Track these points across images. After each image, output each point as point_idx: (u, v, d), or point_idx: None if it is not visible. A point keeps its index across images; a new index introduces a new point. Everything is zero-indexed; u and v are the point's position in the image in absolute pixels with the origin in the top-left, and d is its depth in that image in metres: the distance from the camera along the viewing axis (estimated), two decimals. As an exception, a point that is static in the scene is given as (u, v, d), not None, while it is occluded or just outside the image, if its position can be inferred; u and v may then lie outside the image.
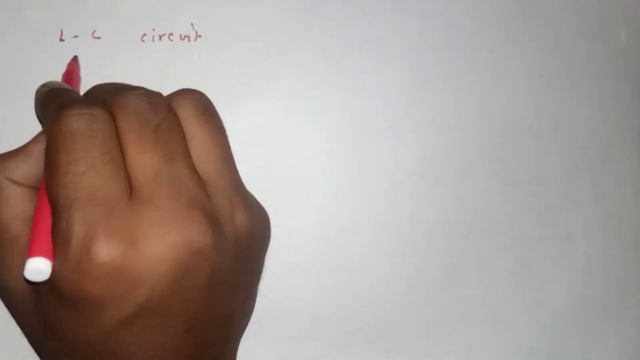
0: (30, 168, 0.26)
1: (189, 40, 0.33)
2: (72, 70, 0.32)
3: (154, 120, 0.25)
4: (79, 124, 0.24)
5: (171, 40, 0.33)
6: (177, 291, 0.23)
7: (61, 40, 0.33)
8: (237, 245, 0.25)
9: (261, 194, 0.33)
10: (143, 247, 0.22)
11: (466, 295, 0.34)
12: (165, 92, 0.33)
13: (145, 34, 0.33)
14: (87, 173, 0.23)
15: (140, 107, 0.25)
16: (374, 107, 0.34)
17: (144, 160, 0.24)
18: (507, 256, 0.34)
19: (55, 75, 0.32)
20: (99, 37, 0.33)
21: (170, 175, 0.24)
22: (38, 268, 0.22)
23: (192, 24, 0.33)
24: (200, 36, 0.33)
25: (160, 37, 0.33)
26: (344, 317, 0.33)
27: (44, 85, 0.29)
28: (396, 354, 0.33)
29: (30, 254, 0.22)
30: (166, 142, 0.24)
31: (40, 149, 0.27)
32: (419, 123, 0.34)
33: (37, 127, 0.32)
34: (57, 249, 0.22)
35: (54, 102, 0.26)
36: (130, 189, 0.23)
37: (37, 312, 0.25)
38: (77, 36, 0.33)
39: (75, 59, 0.33)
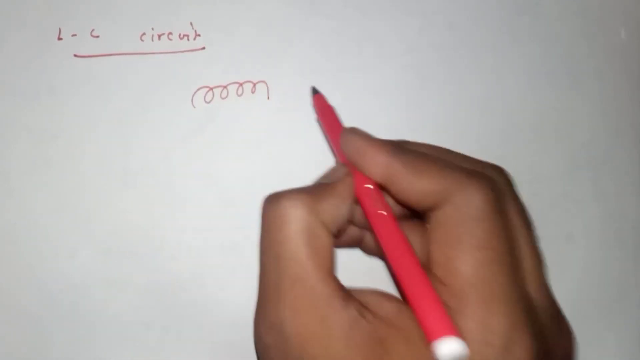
0: (340, 215, 0.23)
1: (188, 40, 0.33)
2: (328, 105, 0.30)
3: (527, 211, 0.24)
4: (499, 202, 0.22)
5: (170, 39, 0.33)
6: None
7: (59, 39, 0.33)
8: None
9: (261, 193, 0.33)
10: (555, 346, 0.22)
11: (466, 295, 0.34)
12: (164, 93, 0.33)
13: (144, 33, 0.33)
14: (511, 265, 0.21)
15: (517, 192, 0.24)
16: (373, 106, 0.34)
17: (534, 259, 0.23)
18: (506, 255, 0.34)
19: (53, 74, 0.32)
20: (98, 36, 0.33)
21: (547, 281, 0.24)
22: (455, 350, 0.20)
23: (191, 23, 0.33)
24: (199, 35, 0.33)
25: (159, 36, 0.33)
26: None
27: (353, 131, 0.26)
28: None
29: (438, 334, 0.20)
30: (538, 239, 0.24)
31: (351, 194, 0.24)
32: (418, 122, 0.34)
33: (35, 126, 0.32)
34: (470, 343, 0.20)
35: (431, 162, 0.23)
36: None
37: None
38: (75, 35, 0.33)
39: (315, 90, 0.31)
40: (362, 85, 0.34)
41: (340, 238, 0.27)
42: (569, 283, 0.34)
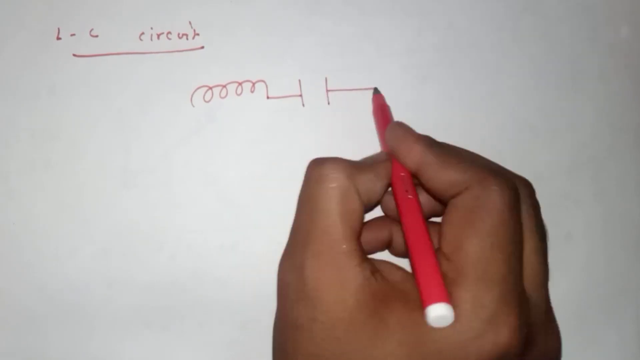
0: (374, 189, 0.26)
1: (187, 39, 0.33)
2: (385, 105, 0.32)
3: (542, 222, 0.26)
4: (513, 200, 0.24)
5: (169, 38, 0.33)
6: None
7: (58, 38, 0.33)
8: None
9: (261, 193, 0.33)
10: (531, 349, 0.24)
11: (466, 294, 0.34)
12: (163, 92, 0.33)
13: (143, 33, 0.33)
14: (512, 255, 0.23)
15: (536, 203, 0.26)
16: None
17: (537, 263, 0.25)
18: (506, 255, 0.34)
19: (52, 74, 0.32)
20: (97, 36, 0.33)
21: (547, 286, 0.26)
22: (444, 315, 0.22)
23: (190, 23, 0.33)
24: (198, 34, 0.33)
25: (158, 35, 0.33)
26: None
27: (399, 123, 0.29)
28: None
29: (432, 298, 0.22)
30: (546, 249, 0.26)
31: (387, 175, 0.27)
32: (418, 122, 0.34)
33: (34, 126, 0.32)
34: (460, 313, 0.22)
35: (460, 156, 0.26)
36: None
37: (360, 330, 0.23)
38: (74, 34, 0.33)
39: (377, 91, 0.33)
40: (361, 85, 0.34)
41: (372, 241, 0.30)
42: (569, 282, 0.34)
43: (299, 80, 0.33)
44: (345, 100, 0.34)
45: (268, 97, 0.33)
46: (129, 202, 0.32)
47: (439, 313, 0.22)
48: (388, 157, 0.28)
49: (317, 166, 0.26)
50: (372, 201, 0.26)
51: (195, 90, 0.33)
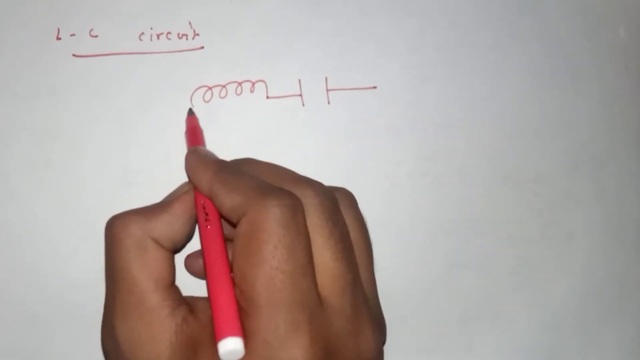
0: (173, 231, 0.26)
1: (187, 39, 0.33)
2: (195, 126, 0.32)
3: (339, 224, 0.25)
4: (286, 217, 0.23)
5: (169, 39, 0.33)
6: None
7: (58, 38, 0.33)
8: None
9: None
10: (337, 358, 0.23)
11: (466, 294, 0.34)
12: (163, 92, 0.33)
13: (142, 33, 0.33)
14: (294, 274, 0.23)
15: (330, 207, 0.25)
16: (373, 106, 0.34)
17: (337, 268, 0.24)
18: (507, 255, 0.34)
19: (52, 74, 0.32)
20: (96, 36, 0.33)
21: (354, 288, 0.24)
22: (235, 349, 0.22)
23: (190, 23, 0.33)
24: (198, 35, 0.33)
25: (158, 35, 0.33)
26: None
27: (193, 151, 0.29)
28: (396, 353, 0.33)
29: (223, 334, 0.22)
30: (350, 250, 0.25)
31: (186, 211, 0.26)
32: (418, 122, 0.34)
33: (34, 126, 0.32)
34: (253, 343, 0.22)
35: (241, 179, 0.25)
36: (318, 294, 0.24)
37: None
38: (74, 34, 0.33)
39: (191, 112, 0.32)
40: (361, 85, 0.34)
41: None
42: (570, 282, 0.34)
43: (299, 80, 0.34)
44: (346, 99, 0.34)
45: (268, 97, 0.33)
46: (130, 201, 0.32)
47: (228, 348, 0.22)
48: (189, 188, 0.28)
49: (108, 227, 0.26)
50: (178, 241, 0.26)
51: (195, 90, 0.33)
